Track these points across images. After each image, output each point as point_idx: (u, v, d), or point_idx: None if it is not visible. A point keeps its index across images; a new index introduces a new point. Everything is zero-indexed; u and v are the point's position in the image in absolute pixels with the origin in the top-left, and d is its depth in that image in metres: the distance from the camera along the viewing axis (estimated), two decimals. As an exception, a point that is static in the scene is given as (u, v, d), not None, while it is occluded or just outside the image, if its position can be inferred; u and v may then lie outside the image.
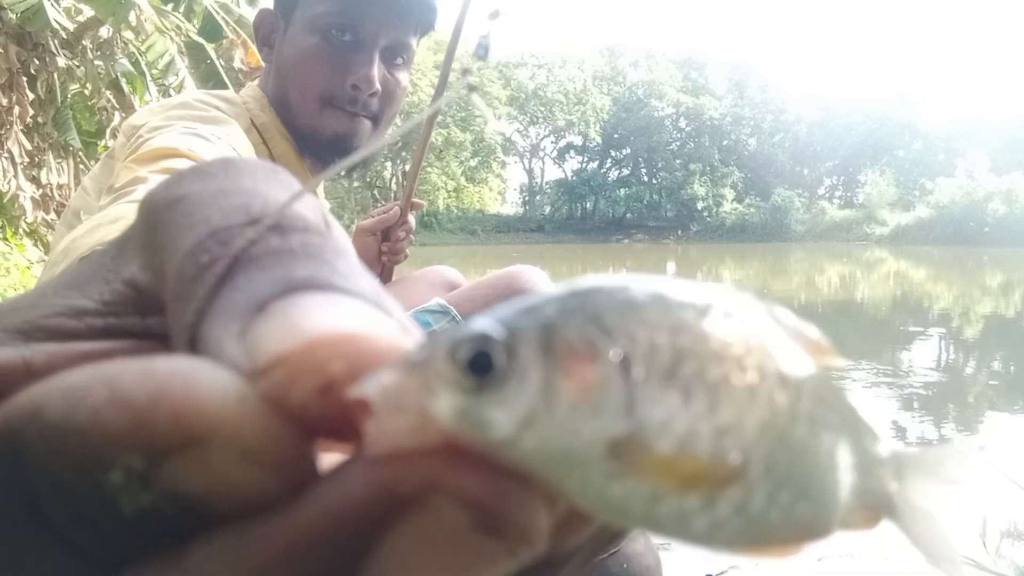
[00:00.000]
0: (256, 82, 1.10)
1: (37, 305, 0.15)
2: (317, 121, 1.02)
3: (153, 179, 0.66)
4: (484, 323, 0.13)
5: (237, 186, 0.16)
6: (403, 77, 1.06)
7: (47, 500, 0.11)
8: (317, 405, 0.12)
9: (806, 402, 0.14)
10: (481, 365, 0.12)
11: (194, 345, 0.13)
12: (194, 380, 0.11)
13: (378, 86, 1.03)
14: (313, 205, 0.17)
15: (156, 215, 0.16)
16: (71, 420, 0.11)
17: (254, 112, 1.01)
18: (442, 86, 1.19)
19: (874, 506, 0.16)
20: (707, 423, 0.12)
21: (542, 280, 1.09)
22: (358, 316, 0.13)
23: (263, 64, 1.10)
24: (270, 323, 0.13)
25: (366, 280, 0.15)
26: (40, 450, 0.11)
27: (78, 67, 6.24)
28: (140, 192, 0.63)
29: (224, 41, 6.18)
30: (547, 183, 43.82)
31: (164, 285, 0.15)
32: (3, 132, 5.46)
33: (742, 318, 0.14)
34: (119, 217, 0.57)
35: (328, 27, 1.00)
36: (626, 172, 45.53)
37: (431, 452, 0.12)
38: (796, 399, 0.13)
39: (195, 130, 0.81)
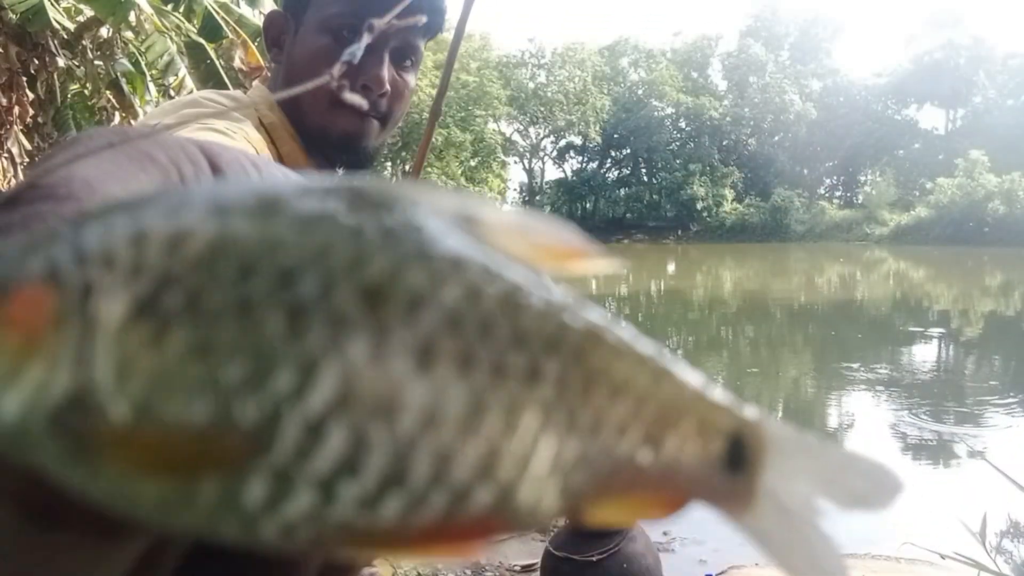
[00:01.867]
0: (256, 79, 1.12)
1: None
2: (327, 120, 1.02)
3: None
4: None
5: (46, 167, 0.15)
6: (411, 78, 1.08)
7: None
8: None
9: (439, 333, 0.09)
10: None
11: None
12: None
13: (388, 86, 1.04)
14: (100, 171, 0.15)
15: None
16: None
17: (262, 111, 1.01)
18: (444, 85, 1.20)
19: (704, 483, 0.11)
20: (200, 372, 0.08)
21: None
22: None
23: (263, 64, 1.11)
24: None
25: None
26: None
27: (78, 67, 6.24)
28: None
29: (224, 41, 6.18)
30: (547, 183, 43.87)
31: None
32: (3, 132, 5.46)
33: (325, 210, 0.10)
34: None
35: (340, 28, 1.01)
36: (626, 172, 45.52)
37: None
38: (406, 328, 0.09)
39: (210, 125, 0.82)
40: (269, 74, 1.15)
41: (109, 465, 0.08)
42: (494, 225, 0.11)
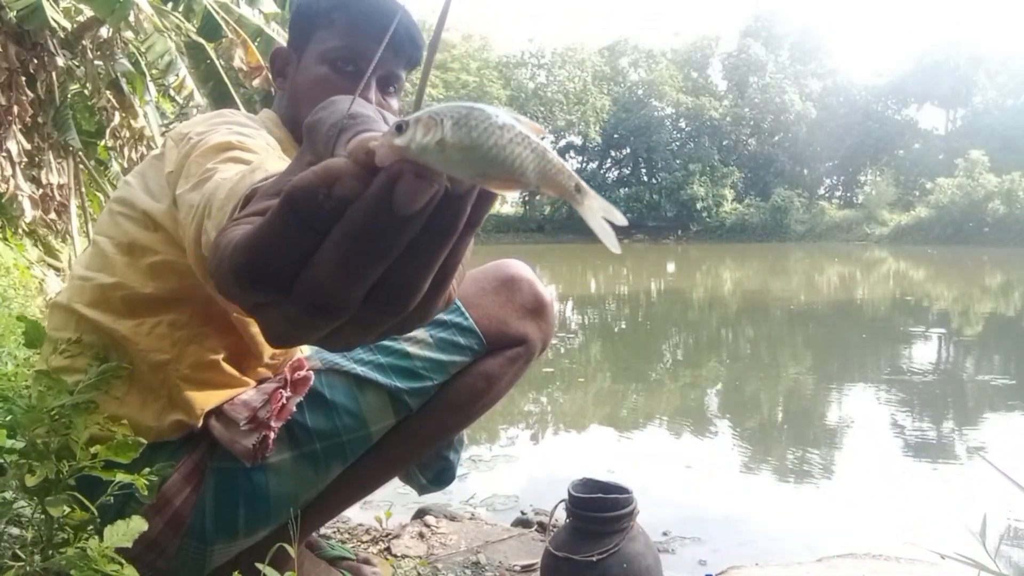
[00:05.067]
0: (256, 78, 1.18)
1: (286, 175, 0.38)
2: None
3: (221, 168, 0.89)
4: (404, 116, 0.32)
5: (336, 108, 0.40)
6: (394, 103, 1.29)
7: (307, 216, 0.30)
8: (367, 157, 0.31)
9: (510, 133, 0.30)
10: (400, 127, 0.30)
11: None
12: (333, 162, 0.31)
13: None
14: (371, 107, 0.39)
15: (309, 128, 0.40)
16: (309, 185, 0.30)
17: (271, 129, 1.19)
18: (422, 90, 1.26)
19: (561, 190, 0.33)
20: (465, 135, 0.29)
21: (527, 270, 1.27)
22: (379, 133, 0.32)
23: (263, 64, 1.18)
24: (350, 144, 0.32)
25: (383, 126, 0.36)
26: (299, 198, 0.30)
27: (78, 67, 6.23)
28: (217, 176, 0.87)
29: (224, 41, 6.18)
30: (547, 183, 43.95)
31: (316, 152, 0.37)
32: (2, 132, 5.45)
33: (494, 114, 0.31)
34: (254, 169, 0.81)
35: (335, 60, 1.21)
36: (626, 172, 45.59)
37: (399, 161, 0.30)
38: (504, 131, 0.30)
39: (236, 129, 0.98)
40: (270, 75, 1.33)
41: (446, 152, 0.29)
42: (521, 120, 0.32)
